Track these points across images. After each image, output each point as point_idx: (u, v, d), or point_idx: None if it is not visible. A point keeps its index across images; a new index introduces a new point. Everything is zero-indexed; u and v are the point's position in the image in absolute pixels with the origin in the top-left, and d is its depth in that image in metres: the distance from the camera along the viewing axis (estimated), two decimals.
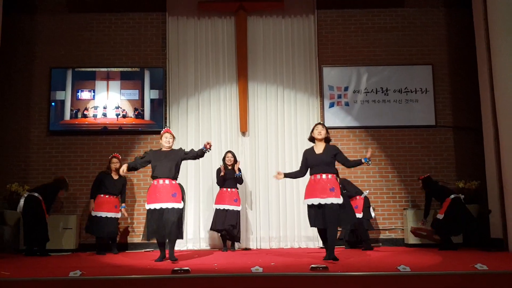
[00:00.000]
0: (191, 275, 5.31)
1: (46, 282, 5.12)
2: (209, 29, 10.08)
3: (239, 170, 8.90)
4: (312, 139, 6.97)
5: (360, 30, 10.21)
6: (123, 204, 8.89)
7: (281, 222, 9.58)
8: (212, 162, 9.61)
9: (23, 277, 5.41)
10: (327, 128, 6.95)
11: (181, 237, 7.18)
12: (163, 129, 7.43)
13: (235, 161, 9.00)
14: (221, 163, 9.11)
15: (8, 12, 9.51)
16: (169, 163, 7.09)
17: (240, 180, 8.95)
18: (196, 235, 9.52)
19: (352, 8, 10.24)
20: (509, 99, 8.08)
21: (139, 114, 9.81)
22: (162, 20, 10.12)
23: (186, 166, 9.53)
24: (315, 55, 10.03)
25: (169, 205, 6.96)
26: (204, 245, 9.47)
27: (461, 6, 10.05)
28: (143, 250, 9.26)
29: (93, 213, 8.61)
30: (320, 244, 8.68)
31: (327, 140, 6.91)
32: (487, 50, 8.69)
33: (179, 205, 7.03)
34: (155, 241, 7.42)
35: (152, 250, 9.21)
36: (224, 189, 8.86)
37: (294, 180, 9.59)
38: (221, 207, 8.78)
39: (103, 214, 8.58)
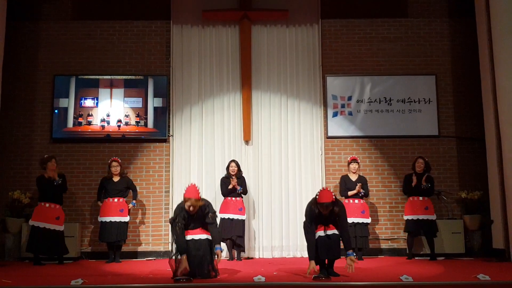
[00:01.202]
0: (193, 284, 5.30)
1: None
2: (213, 38, 10.10)
3: (240, 183, 8.93)
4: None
5: (364, 40, 10.22)
6: (134, 201, 8.96)
7: (283, 231, 9.55)
8: (215, 170, 9.60)
9: (25, 285, 5.40)
10: (333, 203, 6.31)
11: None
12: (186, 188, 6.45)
13: (239, 170, 9.02)
14: (226, 172, 9.10)
15: (12, 19, 9.53)
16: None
17: (244, 192, 9.03)
18: None
19: (356, 18, 10.24)
20: None
21: (143, 122, 9.81)
22: (166, 28, 10.13)
23: (189, 173, 9.53)
24: (319, 64, 10.04)
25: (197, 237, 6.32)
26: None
27: (465, 17, 10.06)
28: (145, 259, 9.24)
29: (99, 219, 8.71)
30: None
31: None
32: (490, 61, 8.69)
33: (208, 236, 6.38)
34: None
35: (154, 259, 9.19)
36: (229, 198, 8.88)
37: (297, 189, 9.63)
38: (226, 216, 8.79)
39: (108, 219, 8.62)
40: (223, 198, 8.98)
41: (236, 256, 8.83)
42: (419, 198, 8.85)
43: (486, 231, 9.15)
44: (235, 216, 8.78)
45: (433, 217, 8.81)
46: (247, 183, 9.18)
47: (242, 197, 9.00)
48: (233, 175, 8.95)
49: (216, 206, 9.15)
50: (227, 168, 9.07)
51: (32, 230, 8.30)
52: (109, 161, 9.00)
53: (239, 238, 8.76)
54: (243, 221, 8.87)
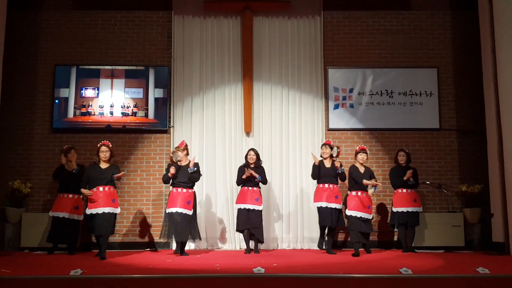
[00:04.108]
0: (193, 275, 5.30)
1: (47, 280, 5.12)
2: (215, 29, 10.06)
3: (259, 172, 8.68)
4: None
5: (366, 32, 10.18)
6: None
7: (283, 223, 9.56)
8: (216, 162, 9.62)
9: (24, 275, 5.40)
10: (331, 146, 8.50)
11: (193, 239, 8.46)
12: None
13: (258, 159, 8.81)
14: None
15: (13, 9, 9.49)
16: (185, 175, 8.22)
17: (263, 181, 8.78)
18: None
19: (359, 10, 10.21)
20: None
21: (143, 113, 9.79)
22: (167, 18, 10.10)
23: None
24: (320, 56, 10.01)
25: (183, 211, 8.10)
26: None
27: (467, 10, 10.02)
28: (145, 250, 9.25)
29: (88, 211, 7.74)
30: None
31: (331, 156, 8.47)
32: (492, 54, 8.65)
33: (190, 212, 8.15)
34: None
35: (154, 250, 9.20)
36: (246, 188, 8.67)
37: (298, 181, 9.62)
38: (243, 206, 8.58)
39: (100, 210, 7.66)
40: (240, 187, 8.80)
41: (254, 247, 8.62)
42: (407, 190, 8.84)
43: (486, 225, 9.16)
44: (252, 207, 8.54)
45: (420, 209, 8.83)
46: None
47: (259, 187, 8.77)
48: (251, 163, 8.74)
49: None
50: (246, 156, 8.87)
51: (53, 221, 8.37)
52: (98, 145, 8.12)
53: (255, 229, 8.54)
54: (259, 211, 8.62)
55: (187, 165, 8.27)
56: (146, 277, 5.20)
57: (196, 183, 8.40)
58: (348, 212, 8.24)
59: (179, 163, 8.30)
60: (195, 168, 8.22)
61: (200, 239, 8.65)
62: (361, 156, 8.54)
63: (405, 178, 8.72)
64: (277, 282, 5.06)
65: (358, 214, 8.19)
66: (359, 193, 8.34)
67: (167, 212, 8.20)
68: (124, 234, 9.43)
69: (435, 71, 10.03)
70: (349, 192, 8.45)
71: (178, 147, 8.47)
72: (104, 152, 7.94)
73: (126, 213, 9.53)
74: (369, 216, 8.39)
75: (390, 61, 10.11)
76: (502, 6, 8.34)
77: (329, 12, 10.16)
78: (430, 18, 10.22)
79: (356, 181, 8.39)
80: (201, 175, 8.47)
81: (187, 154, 8.51)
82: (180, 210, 8.08)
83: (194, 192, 8.35)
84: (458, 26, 10.19)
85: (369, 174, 8.51)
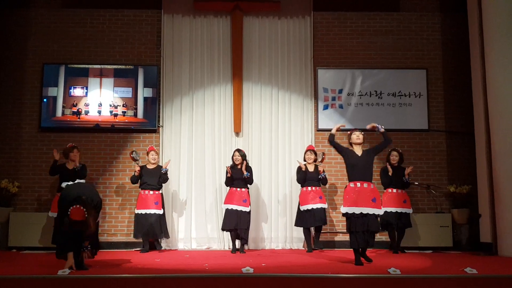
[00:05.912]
0: (182, 275, 5.29)
1: (35, 280, 5.09)
2: (205, 28, 10.04)
3: (247, 169, 8.62)
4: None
5: (356, 33, 10.21)
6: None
7: (273, 223, 9.56)
8: (205, 162, 9.62)
9: (11, 275, 5.36)
10: (315, 152, 8.98)
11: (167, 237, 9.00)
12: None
13: (244, 159, 8.77)
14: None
15: (1, 6, 9.43)
16: (154, 178, 8.80)
17: (249, 181, 8.72)
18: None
19: (348, 11, 10.23)
20: (502, 104, 8.12)
21: (131, 112, 9.75)
22: (157, 17, 10.07)
23: (179, 164, 9.48)
24: (310, 57, 10.02)
25: (152, 211, 8.68)
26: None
27: (457, 12, 10.07)
28: (133, 250, 9.20)
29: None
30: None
31: (315, 161, 8.96)
32: (481, 56, 8.71)
33: (160, 211, 8.72)
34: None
35: (141, 249, 9.15)
36: (234, 188, 8.65)
37: (287, 181, 9.62)
38: (230, 207, 8.56)
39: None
40: (228, 188, 8.77)
41: (239, 248, 8.64)
42: (397, 190, 8.82)
43: (474, 225, 9.21)
44: (239, 208, 8.52)
45: (410, 210, 8.81)
46: None
47: (248, 188, 8.76)
48: (237, 164, 8.70)
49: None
50: (232, 157, 8.81)
51: (54, 221, 8.14)
52: (68, 146, 8.59)
53: (242, 230, 8.53)
54: (247, 212, 8.59)
55: (156, 169, 8.92)
56: (134, 277, 5.18)
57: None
58: (343, 210, 6.78)
59: (147, 166, 8.94)
60: (167, 169, 8.90)
61: (168, 237, 9.06)
62: (355, 136, 7.02)
63: (406, 172, 8.77)
64: (265, 282, 5.06)
65: (351, 210, 6.66)
66: (358, 185, 6.75)
67: (136, 213, 8.76)
68: (112, 233, 9.39)
69: (424, 72, 10.07)
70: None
71: (153, 150, 9.06)
72: (76, 155, 8.25)
73: (115, 213, 9.50)
74: (375, 211, 6.72)
75: (380, 62, 10.14)
76: (491, 8, 8.39)
77: (319, 13, 10.17)
78: (419, 19, 10.26)
79: (355, 165, 6.84)
80: (168, 178, 9.07)
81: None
82: (149, 211, 8.68)
83: (161, 193, 8.96)
84: (448, 28, 10.24)
85: (373, 152, 7.02)
